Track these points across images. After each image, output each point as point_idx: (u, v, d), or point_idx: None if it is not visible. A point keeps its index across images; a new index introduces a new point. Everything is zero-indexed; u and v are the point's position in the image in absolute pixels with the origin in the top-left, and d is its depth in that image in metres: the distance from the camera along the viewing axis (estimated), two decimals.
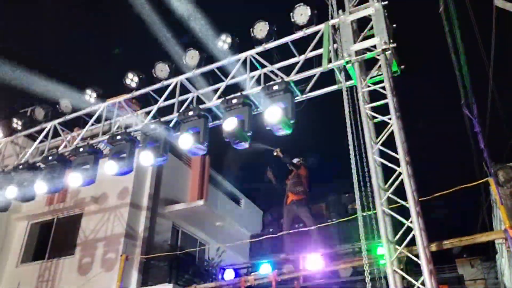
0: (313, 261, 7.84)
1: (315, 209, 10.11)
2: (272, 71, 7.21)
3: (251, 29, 7.14)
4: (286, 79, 6.84)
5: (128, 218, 12.07)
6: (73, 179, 7.68)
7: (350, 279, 7.66)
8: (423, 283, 4.75)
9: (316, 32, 6.90)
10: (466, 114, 6.92)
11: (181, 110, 7.34)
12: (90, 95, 8.30)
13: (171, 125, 7.49)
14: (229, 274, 8.17)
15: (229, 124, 6.68)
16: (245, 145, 6.82)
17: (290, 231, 8.68)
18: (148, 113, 7.97)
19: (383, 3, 6.30)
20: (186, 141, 6.82)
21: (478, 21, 6.53)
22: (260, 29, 7.12)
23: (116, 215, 12.26)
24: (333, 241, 8.81)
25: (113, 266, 11.26)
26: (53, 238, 13.10)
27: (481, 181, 6.33)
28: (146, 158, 7.10)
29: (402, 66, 6.27)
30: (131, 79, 7.85)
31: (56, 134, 8.91)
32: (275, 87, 6.71)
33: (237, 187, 17.65)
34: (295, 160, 9.34)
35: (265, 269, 7.90)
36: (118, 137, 7.49)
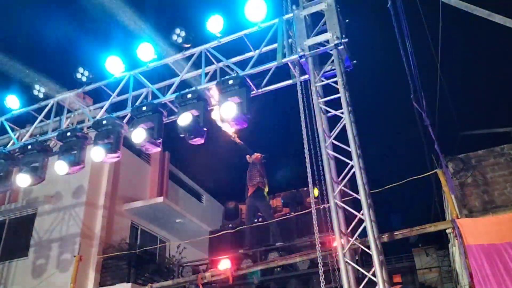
0: (270, 256, 7.89)
1: (274, 202, 10.17)
2: (227, 66, 7.15)
3: (206, 23, 7.03)
4: (241, 73, 6.79)
5: (84, 217, 11.74)
6: (22, 179, 7.34)
7: (307, 271, 7.74)
8: (374, 274, 4.84)
9: (271, 27, 6.89)
10: (416, 108, 7.12)
11: (134, 105, 7.16)
12: (38, 90, 7.96)
13: (124, 121, 7.29)
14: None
15: (184, 119, 6.57)
16: (200, 140, 6.74)
17: (248, 226, 8.68)
18: (100, 108, 7.73)
19: None
20: (139, 136, 6.66)
21: (426, 16, 6.73)
22: (215, 23, 7.03)
23: (71, 215, 11.90)
24: (291, 234, 8.87)
25: (68, 267, 10.93)
26: (5, 240, 12.58)
27: (429, 173, 6.53)
28: (97, 154, 6.87)
29: (354, 61, 6.36)
30: (82, 73, 7.58)
31: (3, 131, 8.50)
32: (230, 82, 6.66)
33: (198, 183, 17.53)
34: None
35: (224, 264, 7.86)
36: (69, 133, 7.22)
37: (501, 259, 5.20)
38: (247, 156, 9.49)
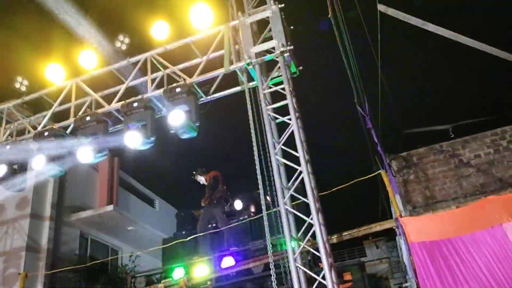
0: (226, 261, 7.90)
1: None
2: (174, 72, 7.06)
3: (151, 29, 6.91)
4: (189, 80, 6.73)
5: (29, 230, 11.22)
6: None
7: (262, 274, 7.83)
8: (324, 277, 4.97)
9: (218, 33, 6.86)
10: (359, 112, 7.38)
11: (78, 116, 6.92)
12: None
13: (68, 131, 7.03)
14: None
15: (130, 135, 6.46)
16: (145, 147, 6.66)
17: (201, 234, 8.64)
18: (42, 118, 7.41)
19: (280, 5, 6.42)
20: (84, 151, 6.47)
21: (366, 23, 7.00)
22: (160, 29, 6.92)
23: (15, 228, 11.35)
24: (245, 238, 8.92)
25: (14, 283, 10.42)
26: None
27: (373, 174, 6.80)
28: (39, 165, 6.60)
29: (300, 68, 6.47)
30: (21, 83, 7.23)
31: None
32: (178, 89, 6.58)
33: (150, 188, 17.19)
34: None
35: (178, 273, 7.78)
36: (8, 146, 6.88)
37: (441, 255, 5.50)
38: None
